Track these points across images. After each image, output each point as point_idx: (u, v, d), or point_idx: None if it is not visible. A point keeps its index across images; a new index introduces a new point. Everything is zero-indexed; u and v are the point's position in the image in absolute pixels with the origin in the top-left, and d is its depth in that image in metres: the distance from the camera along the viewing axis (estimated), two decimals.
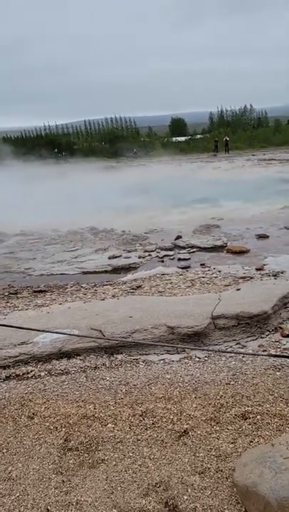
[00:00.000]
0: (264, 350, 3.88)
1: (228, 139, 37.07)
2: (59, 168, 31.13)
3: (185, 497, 2.34)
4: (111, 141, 44.74)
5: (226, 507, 2.25)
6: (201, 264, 7.06)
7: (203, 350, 3.87)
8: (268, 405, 2.99)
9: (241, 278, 6.00)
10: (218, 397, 3.13)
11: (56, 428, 2.99)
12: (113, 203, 15.57)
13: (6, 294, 6.33)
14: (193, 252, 7.98)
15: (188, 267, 7.00)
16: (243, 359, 3.70)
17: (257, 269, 6.42)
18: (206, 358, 3.79)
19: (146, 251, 8.27)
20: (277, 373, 3.40)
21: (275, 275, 6.03)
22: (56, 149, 39.57)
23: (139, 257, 7.91)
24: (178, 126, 60.89)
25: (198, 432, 2.80)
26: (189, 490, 2.38)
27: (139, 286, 6.01)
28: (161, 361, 3.83)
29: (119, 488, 2.45)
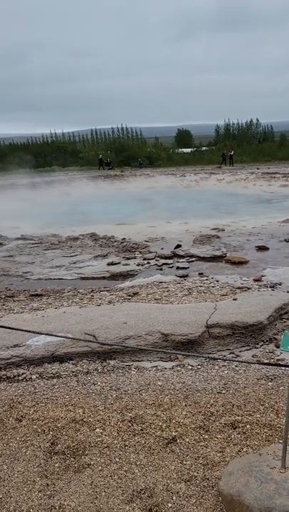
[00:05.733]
0: (257, 361, 3.84)
1: (232, 152, 37.23)
2: (64, 176, 31.30)
3: (169, 505, 2.30)
4: (117, 151, 44.85)
5: None
6: (199, 274, 7.03)
7: (194, 356, 3.84)
8: (258, 415, 2.96)
9: (239, 288, 5.97)
10: (209, 406, 3.10)
11: (44, 431, 2.96)
12: (115, 210, 15.66)
13: (3, 296, 6.31)
14: (192, 261, 7.96)
15: (186, 275, 6.98)
16: (236, 368, 3.67)
17: (255, 280, 6.39)
18: (198, 367, 3.76)
19: (145, 259, 8.26)
20: (270, 383, 3.37)
21: (273, 286, 6.00)
22: (100, 156, 39.22)
23: (138, 265, 7.89)
24: (184, 137, 61.18)
25: (187, 440, 2.77)
26: (174, 497, 2.35)
27: (135, 293, 5.99)
28: (154, 368, 3.80)
29: (103, 494, 2.41)
